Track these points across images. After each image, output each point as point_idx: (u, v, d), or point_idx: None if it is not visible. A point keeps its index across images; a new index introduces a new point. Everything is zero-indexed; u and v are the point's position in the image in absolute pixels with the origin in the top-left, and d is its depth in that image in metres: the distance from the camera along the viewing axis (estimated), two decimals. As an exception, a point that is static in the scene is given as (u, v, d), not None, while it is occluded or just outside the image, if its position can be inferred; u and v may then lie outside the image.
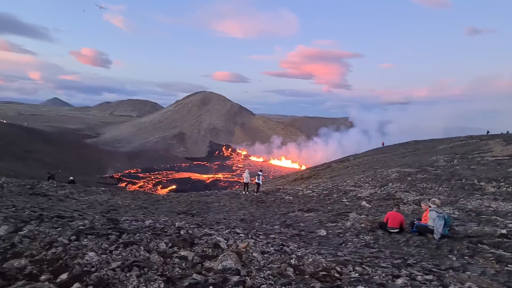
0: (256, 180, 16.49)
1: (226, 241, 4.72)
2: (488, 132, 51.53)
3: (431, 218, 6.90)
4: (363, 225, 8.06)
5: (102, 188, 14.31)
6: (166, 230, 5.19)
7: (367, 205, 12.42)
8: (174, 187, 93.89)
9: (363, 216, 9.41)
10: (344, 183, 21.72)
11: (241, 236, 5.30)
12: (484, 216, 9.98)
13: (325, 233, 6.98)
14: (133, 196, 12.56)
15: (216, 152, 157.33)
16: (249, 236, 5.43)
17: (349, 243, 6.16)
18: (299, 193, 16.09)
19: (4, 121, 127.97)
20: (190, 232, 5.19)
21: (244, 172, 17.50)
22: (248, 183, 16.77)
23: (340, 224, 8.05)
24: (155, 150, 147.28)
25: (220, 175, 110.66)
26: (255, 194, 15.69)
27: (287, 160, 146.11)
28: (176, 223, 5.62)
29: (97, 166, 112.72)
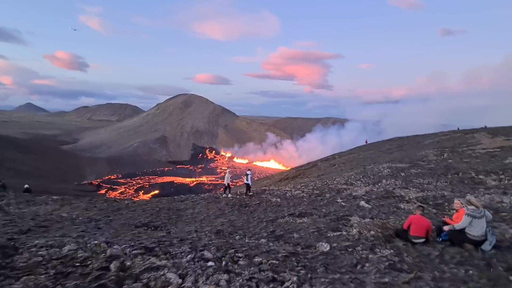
0: (245, 181, 14.43)
1: (181, 280, 2.84)
2: (458, 128, 52.01)
3: (467, 222, 5.28)
4: (372, 232, 6.34)
5: (54, 197, 11.99)
6: (88, 262, 3.21)
7: (366, 205, 10.77)
8: (156, 192, 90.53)
9: (368, 219, 7.71)
10: (334, 181, 20.23)
11: (210, 266, 3.42)
12: (504, 213, 8.52)
13: (328, 248, 5.20)
14: (89, 205, 10.36)
15: (200, 155, 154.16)
16: (223, 264, 3.57)
17: (367, 264, 4.40)
18: (287, 194, 14.30)
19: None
20: (128, 263, 3.25)
21: (225, 174, 15.48)
22: (228, 184, 14.77)
23: (344, 232, 6.30)
24: (137, 154, 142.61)
25: (204, 178, 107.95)
26: (244, 196, 13.78)
27: (269, 161, 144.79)
28: (109, 251, 3.64)
29: (75, 173, 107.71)
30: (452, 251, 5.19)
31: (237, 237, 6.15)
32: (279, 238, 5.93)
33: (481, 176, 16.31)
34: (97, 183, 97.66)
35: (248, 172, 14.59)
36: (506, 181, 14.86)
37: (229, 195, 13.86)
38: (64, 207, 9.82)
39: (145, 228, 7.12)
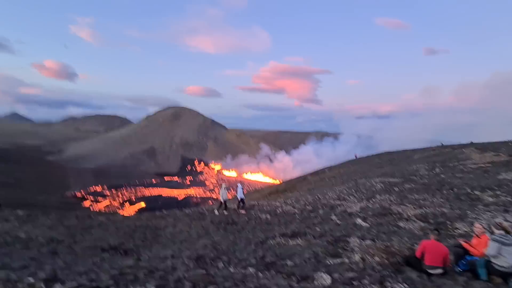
0: (237, 195, 13.13)
1: None
2: (442, 144, 52.50)
3: (495, 249, 4.51)
4: (377, 258, 5.52)
5: (20, 213, 10.72)
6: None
7: (364, 223, 9.98)
8: (143, 205, 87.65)
9: (369, 241, 6.89)
10: (326, 196, 19.47)
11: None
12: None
13: (330, 281, 4.33)
14: (56, 223, 9.18)
15: (189, 167, 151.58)
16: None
17: (379, 305, 3.58)
18: (278, 210, 13.39)
19: None
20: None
21: (220, 188, 13.86)
22: (225, 201, 13.19)
23: (345, 259, 5.45)
24: (124, 166, 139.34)
25: (192, 191, 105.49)
26: (239, 211, 12.63)
27: (258, 174, 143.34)
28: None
29: (59, 184, 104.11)
30: (478, 286, 4.39)
31: (221, 265, 5.22)
32: (270, 267, 5.02)
33: (476, 192, 15.83)
34: (81, 195, 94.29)
35: (239, 185, 13.51)
36: (503, 198, 14.36)
37: (225, 212, 12.67)
38: (26, 225, 8.63)
39: (113, 252, 6.10)
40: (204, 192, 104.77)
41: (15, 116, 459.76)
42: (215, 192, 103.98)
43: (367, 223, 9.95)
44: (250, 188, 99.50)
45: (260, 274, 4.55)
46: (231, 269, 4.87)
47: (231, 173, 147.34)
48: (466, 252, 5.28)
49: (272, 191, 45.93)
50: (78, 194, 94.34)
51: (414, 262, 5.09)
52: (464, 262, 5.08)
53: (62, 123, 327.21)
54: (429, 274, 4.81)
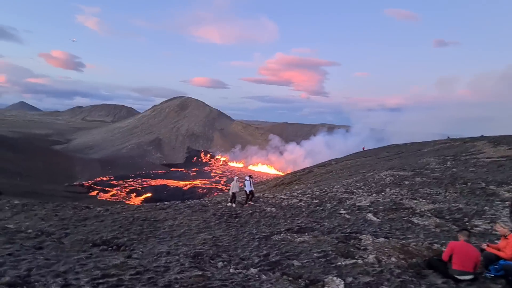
0: (245, 188, 12.42)
1: None
2: (448, 137, 51.36)
3: None
4: (393, 259, 4.95)
5: (16, 201, 10.39)
6: None
7: (374, 218, 9.38)
8: (149, 195, 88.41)
9: (382, 239, 6.31)
10: (334, 189, 18.91)
11: None
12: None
13: (342, 286, 3.80)
14: (50, 213, 8.77)
15: (195, 158, 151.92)
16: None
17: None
18: (283, 203, 12.84)
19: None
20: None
21: (232, 180, 13.29)
22: (235, 193, 12.67)
23: (359, 260, 4.89)
24: (130, 156, 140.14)
25: (198, 182, 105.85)
26: (245, 205, 12.07)
27: (264, 166, 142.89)
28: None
29: (66, 173, 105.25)
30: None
31: (220, 264, 4.71)
32: (274, 267, 4.50)
33: (492, 187, 15.12)
34: (88, 185, 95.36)
35: (247, 178, 12.84)
36: (522, 193, 13.64)
37: (233, 204, 12.13)
38: (18, 216, 8.26)
39: (104, 247, 5.64)
40: (210, 183, 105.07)
41: (23, 105, 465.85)
42: (221, 184, 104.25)
43: (378, 218, 9.35)
44: (255, 180, 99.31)
45: (263, 276, 4.03)
46: (231, 270, 4.36)
47: (237, 165, 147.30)
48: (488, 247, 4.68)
49: (277, 183, 45.51)
50: (85, 184, 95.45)
51: (439, 266, 4.48)
52: (497, 267, 4.47)
53: (69, 113, 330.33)
54: (457, 280, 4.21)
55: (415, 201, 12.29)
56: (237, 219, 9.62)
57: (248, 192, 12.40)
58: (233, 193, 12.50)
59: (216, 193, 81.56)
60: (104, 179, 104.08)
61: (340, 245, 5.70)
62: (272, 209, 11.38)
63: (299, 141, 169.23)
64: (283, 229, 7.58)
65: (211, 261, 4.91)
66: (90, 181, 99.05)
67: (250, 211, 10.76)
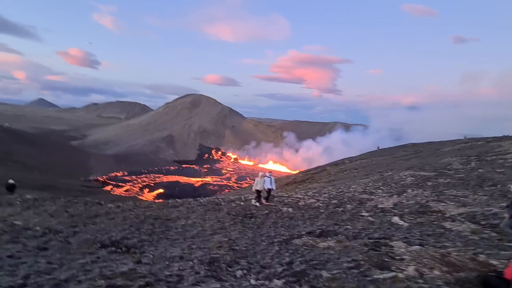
0: (266, 186, 11.56)
1: None
2: (465, 137, 49.29)
3: None
4: (436, 272, 4.31)
5: (28, 196, 10.23)
6: None
7: (401, 222, 8.68)
8: (161, 191, 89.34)
9: (417, 246, 5.64)
10: (351, 189, 18.18)
11: None
12: None
13: (386, 308, 3.24)
14: (60, 209, 8.50)
15: (206, 155, 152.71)
16: None
17: None
18: (299, 203, 12.25)
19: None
20: None
21: (257, 177, 12.22)
22: (260, 191, 11.76)
23: (396, 271, 4.28)
24: (143, 153, 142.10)
25: (209, 179, 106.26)
26: (264, 204, 11.34)
27: (275, 164, 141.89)
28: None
29: (81, 168, 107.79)
30: None
31: (238, 273, 4.21)
32: (300, 278, 3.95)
33: (525, 190, 14.07)
34: (103, 180, 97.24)
35: (267, 174, 11.92)
36: (559, 197, 12.57)
37: (257, 204, 11.40)
38: (28, 211, 8.03)
39: (113, 249, 5.23)
40: (221, 180, 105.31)
41: (42, 102, 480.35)
42: (231, 181, 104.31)
43: (406, 222, 8.64)
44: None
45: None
46: (252, 280, 3.85)
47: (248, 162, 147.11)
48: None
49: (289, 182, 44.84)
50: (100, 179, 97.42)
51: (500, 286, 3.81)
52: None
53: (85, 110, 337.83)
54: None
55: (443, 204, 11.45)
56: (252, 219, 9.10)
57: (267, 189, 11.65)
58: (256, 190, 11.62)
59: (227, 190, 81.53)
60: (118, 174, 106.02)
61: (371, 253, 5.09)
62: (289, 209, 10.81)
63: (314, 138, 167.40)
64: (304, 232, 7.01)
65: (229, 268, 4.41)
66: (104, 176, 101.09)
67: (266, 211, 10.23)
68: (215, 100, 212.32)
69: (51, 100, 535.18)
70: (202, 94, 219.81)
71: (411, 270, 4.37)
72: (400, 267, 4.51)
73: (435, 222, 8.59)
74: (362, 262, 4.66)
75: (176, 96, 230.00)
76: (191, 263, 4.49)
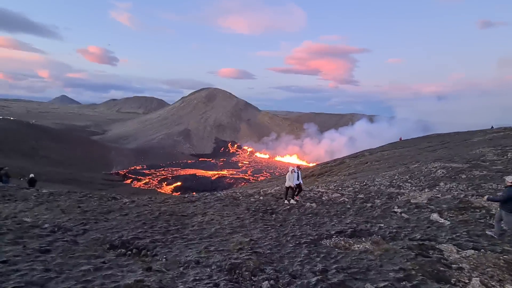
0: (294, 181, 10.32)
1: None
2: (492, 127, 46.49)
3: None
4: (509, 286, 3.47)
5: (44, 191, 10.02)
6: None
7: (442, 220, 7.73)
8: (179, 184, 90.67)
9: (471, 251, 4.76)
10: (375, 182, 17.16)
11: None
12: None
13: None
14: (73, 204, 8.15)
15: (222, 149, 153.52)
16: None
17: None
18: (323, 197, 11.43)
19: (12, 118, 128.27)
20: None
21: (288, 172, 11.22)
22: (291, 187, 10.53)
23: (457, 283, 3.48)
24: (161, 146, 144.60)
25: (225, 172, 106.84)
26: (294, 201, 10.29)
27: (292, 156, 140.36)
28: None
29: (103, 162, 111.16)
30: None
31: (265, 285, 3.55)
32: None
33: None
34: (123, 173, 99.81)
35: (294, 169, 10.75)
36: None
37: (292, 201, 10.33)
38: (40, 207, 7.72)
39: (122, 251, 4.70)
40: (237, 173, 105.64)
41: (64, 99, 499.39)
42: (247, 174, 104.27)
43: (447, 219, 7.68)
44: (283, 171, 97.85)
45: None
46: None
47: (263, 155, 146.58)
48: None
49: (307, 174, 43.93)
50: (121, 172, 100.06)
51: None
52: None
53: (105, 105, 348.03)
54: None
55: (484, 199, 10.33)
56: (274, 216, 8.41)
57: (294, 186, 10.59)
58: (288, 187, 10.49)
59: (243, 183, 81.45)
60: (138, 168, 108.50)
61: (420, 260, 4.28)
62: (312, 204, 10.03)
63: (337, 129, 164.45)
64: (333, 232, 6.25)
65: (253, 277, 3.76)
66: (125, 170, 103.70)
67: (288, 207, 9.51)
68: (230, 93, 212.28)
69: (73, 97, 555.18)
70: (217, 88, 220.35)
71: (476, 283, 3.54)
72: (462, 279, 3.69)
73: (481, 220, 7.59)
74: (413, 272, 3.87)
75: (191, 90, 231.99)
76: (208, 270, 3.88)
